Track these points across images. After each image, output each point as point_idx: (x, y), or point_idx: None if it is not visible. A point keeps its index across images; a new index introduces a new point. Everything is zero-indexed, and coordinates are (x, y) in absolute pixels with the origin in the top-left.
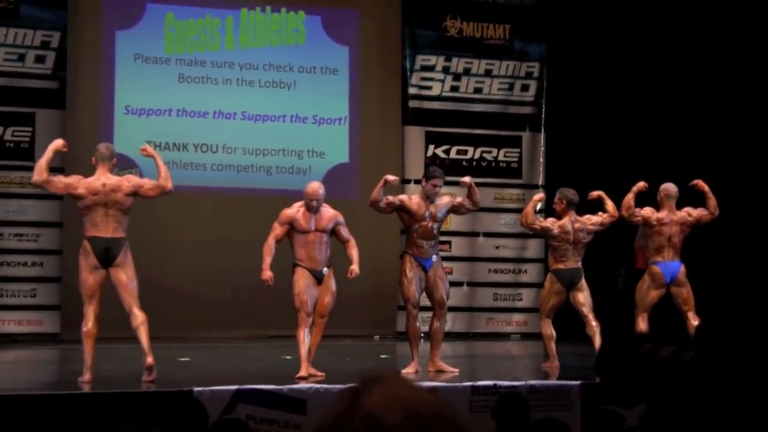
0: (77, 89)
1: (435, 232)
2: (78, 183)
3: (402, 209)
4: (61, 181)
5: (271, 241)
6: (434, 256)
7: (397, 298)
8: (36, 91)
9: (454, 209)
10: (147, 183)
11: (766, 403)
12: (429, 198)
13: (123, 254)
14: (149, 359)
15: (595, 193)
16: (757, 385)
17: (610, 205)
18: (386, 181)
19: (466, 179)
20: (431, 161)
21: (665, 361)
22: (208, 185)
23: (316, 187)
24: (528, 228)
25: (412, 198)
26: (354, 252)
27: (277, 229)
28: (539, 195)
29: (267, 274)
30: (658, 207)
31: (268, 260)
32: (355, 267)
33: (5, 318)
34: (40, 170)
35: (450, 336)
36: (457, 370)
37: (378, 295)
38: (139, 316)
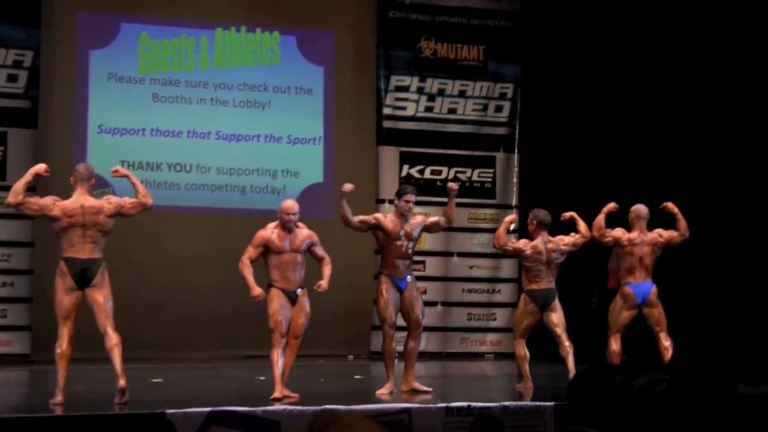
0: (50, 108)
1: (410, 251)
2: (53, 205)
3: (377, 227)
4: (36, 203)
5: (246, 260)
6: (409, 276)
7: (371, 317)
8: (8, 110)
9: (428, 228)
10: (127, 201)
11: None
12: (403, 216)
13: (100, 275)
14: (121, 382)
15: (567, 214)
16: (729, 413)
17: (582, 226)
18: (343, 193)
19: (453, 185)
20: (406, 181)
21: (639, 392)
22: (182, 204)
23: (291, 203)
24: (500, 250)
25: (387, 216)
26: (327, 269)
27: (251, 251)
28: (511, 216)
29: (257, 290)
30: (629, 228)
31: (251, 278)
32: (323, 282)
33: None
34: (15, 192)
35: (424, 356)
36: (431, 389)
37: (352, 314)
38: (113, 338)
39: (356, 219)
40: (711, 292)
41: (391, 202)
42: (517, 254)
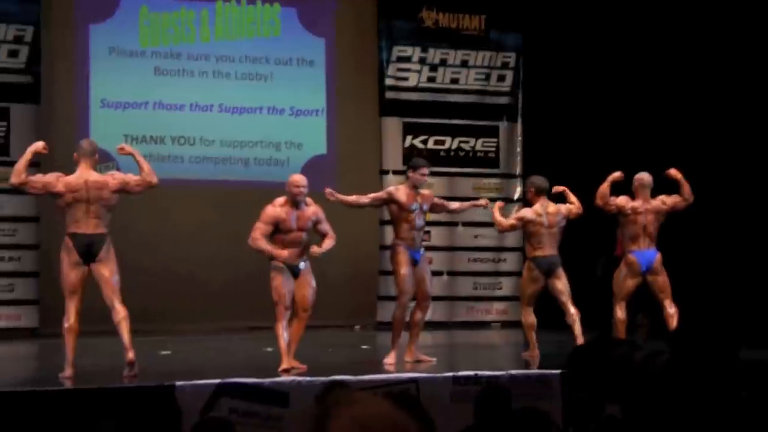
0: (52, 83)
1: (423, 223)
2: (57, 181)
3: (391, 201)
4: (39, 181)
5: (258, 235)
6: (422, 248)
7: (376, 287)
8: (10, 86)
9: (434, 207)
10: (132, 179)
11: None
12: (416, 188)
13: (105, 250)
14: (130, 355)
15: (559, 188)
16: (731, 382)
17: (572, 199)
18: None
19: (483, 202)
20: (409, 152)
21: (640, 365)
22: (186, 178)
23: (299, 177)
24: (507, 231)
25: (400, 189)
26: (328, 241)
27: (262, 228)
28: (498, 203)
29: (281, 252)
30: (633, 196)
31: (269, 246)
32: (317, 248)
33: None
34: (17, 172)
35: (430, 325)
36: (434, 359)
37: (357, 285)
38: (120, 312)
39: (366, 199)
40: (711, 260)
41: (396, 173)
42: (523, 225)
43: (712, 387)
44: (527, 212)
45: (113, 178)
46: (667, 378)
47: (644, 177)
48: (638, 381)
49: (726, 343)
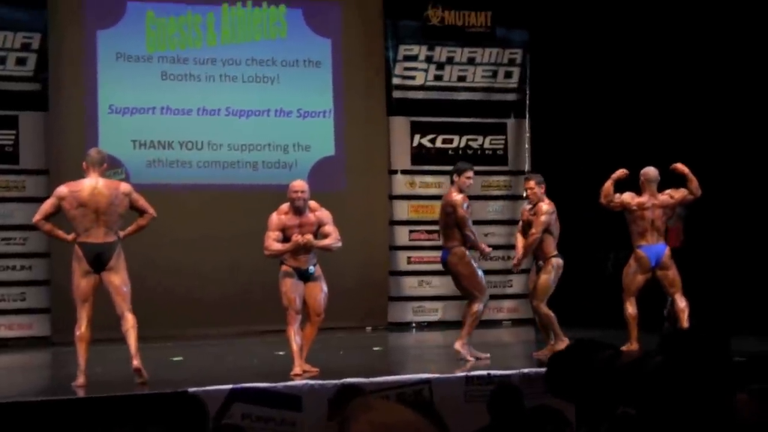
0: (60, 90)
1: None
2: (60, 203)
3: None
4: (47, 213)
5: (271, 243)
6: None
7: (387, 288)
8: (18, 93)
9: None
10: (143, 212)
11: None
12: (463, 191)
13: (115, 258)
14: (135, 362)
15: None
16: (725, 383)
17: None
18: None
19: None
20: (417, 151)
21: (629, 368)
22: (195, 182)
23: (299, 182)
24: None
25: (461, 195)
26: (327, 240)
27: (273, 235)
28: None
29: (302, 238)
30: (640, 191)
31: (284, 246)
32: (310, 237)
33: None
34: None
35: (441, 325)
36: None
37: (369, 286)
38: (129, 320)
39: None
40: (706, 258)
41: (404, 172)
42: (547, 227)
43: (707, 388)
44: (550, 208)
45: (126, 194)
46: (661, 380)
47: (650, 171)
48: (628, 383)
49: (717, 344)
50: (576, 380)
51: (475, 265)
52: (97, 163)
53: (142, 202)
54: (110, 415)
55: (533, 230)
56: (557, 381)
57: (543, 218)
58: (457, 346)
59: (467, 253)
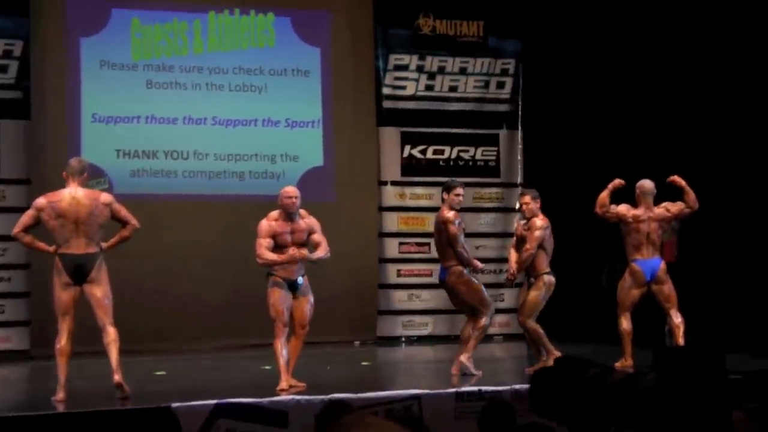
0: (42, 98)
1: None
2: (39, 214)
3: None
4: (26, 225)
5: (262, 252)
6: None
7: (376, 302)
8: None
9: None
10: (126, 223)
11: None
12: (453, 209)
13: (96, 269)
14: (116, 377)
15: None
16: (720, 399)
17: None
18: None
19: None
20: (407, 162)
21: (619, 386)
22: (180, 193)
23: (291, 187)
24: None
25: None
26: (319, 252)
27: (265, 242)
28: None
29: (293, 252)
30: (635, 204)
31: (277, 257)
32: (306, 252)
33: None
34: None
35: (431, 339)
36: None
37: (357, 299)
38: (111, 334)
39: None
40: (701, 272)
41: (394, 183)
42: (541, 243)
43: (702, 406)
44: (544, 223)
45: (106, 205)
46: (655, 398)
47: (646, 184)
48: (618, 401)
49: (712, 362)
50: (561, 399)
51: (475, 281)
52: (77, 173)
53: (123, 212)
54: (89, 430)
55: (528, 246)
56: (541, 399)
57: (537, 233)
58: (463, 359)
59: (464, 270)
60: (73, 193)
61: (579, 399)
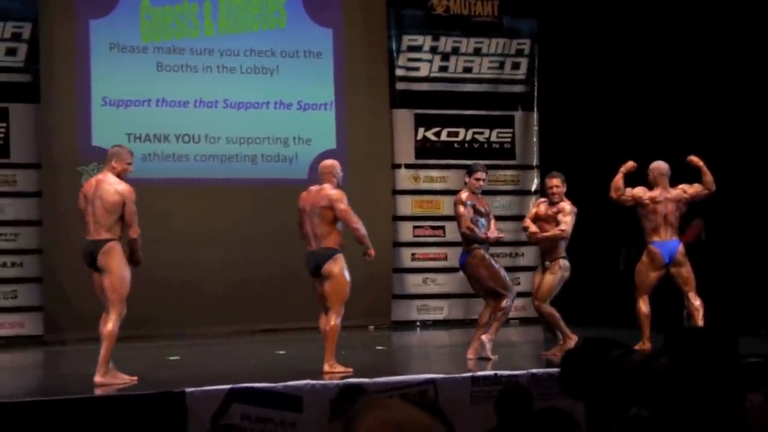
0: (52, 82)
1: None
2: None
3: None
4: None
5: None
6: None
7: (391, 287)
8: (8, 85)
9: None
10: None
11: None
12: (474, 193)
13: (103, 257)
14: (97, 377)
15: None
16: (733, 383)
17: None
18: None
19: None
20: (421, 144)
21: (638, 367)
22: (192, 176)
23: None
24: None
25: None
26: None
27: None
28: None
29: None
30: (650, 186)
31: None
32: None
33: None
34: None
35: (446, 323)
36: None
37: (371, 284)
38: (108, 325)
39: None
40: (714, 256)
41: (408, 166)
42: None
43: (715, 389)
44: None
45: (119, 194)
46: (667, 381)
47: (661, 165)
48: (636, 383)
49: (724, 344)
50: (589, 379)
51: (496, 264)
52: (106, 160)
53: (129, 215)
54: (104, 415)
55: (564, 227)
56: (571, 380)
57: (570, 218)
58: (485, 338)
59: (486, 255)
60: (98, 179)
61: (602, 380)
